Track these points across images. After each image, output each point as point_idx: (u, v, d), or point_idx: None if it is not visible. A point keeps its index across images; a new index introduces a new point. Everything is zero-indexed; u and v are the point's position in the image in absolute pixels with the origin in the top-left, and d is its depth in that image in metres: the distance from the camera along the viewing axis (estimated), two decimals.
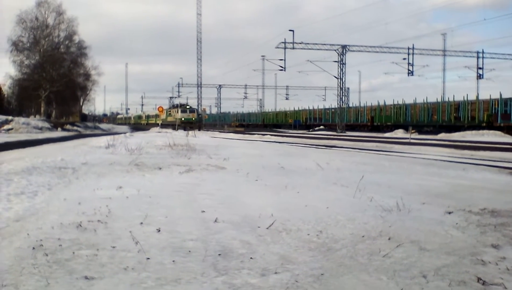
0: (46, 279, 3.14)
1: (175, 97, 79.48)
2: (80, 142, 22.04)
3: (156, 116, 77.58)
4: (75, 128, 54.03)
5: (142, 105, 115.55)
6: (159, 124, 62.41)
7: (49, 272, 3.27)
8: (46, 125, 47.11)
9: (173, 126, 55.87)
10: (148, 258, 3.59)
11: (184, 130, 44.04)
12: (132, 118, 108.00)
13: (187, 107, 65.07)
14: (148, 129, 54.92)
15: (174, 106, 69.01)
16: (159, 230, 4.40)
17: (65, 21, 56.77)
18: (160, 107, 67.63)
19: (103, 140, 18.36)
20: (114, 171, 8.86)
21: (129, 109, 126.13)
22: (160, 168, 9.41)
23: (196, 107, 65.91)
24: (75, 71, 62.73)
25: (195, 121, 62.61)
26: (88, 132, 51.27)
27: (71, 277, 3.20)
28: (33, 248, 3.79)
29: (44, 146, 19.57)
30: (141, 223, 4.68)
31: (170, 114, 67.86)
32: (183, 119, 61.08)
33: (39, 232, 4.29)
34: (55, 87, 55.16)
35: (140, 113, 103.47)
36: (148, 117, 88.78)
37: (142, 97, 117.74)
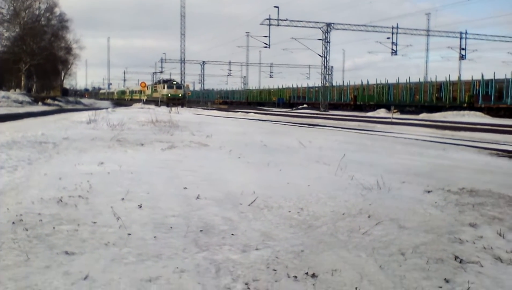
0: (26, 254, 3.12)
1: (158, 72, 78.21)
2: (61, 116, 21.78)
3: (141, 91, 75.74)
4: (56, 102, 53.27)
5: (125, 80, 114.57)
6: (143, 100, 61.02)
7: (29, 247, 3.26)
8: (27, 99, 46.39)
9: (156, 102, 55.34)
10: (129, 234, 3.59)
11: (167, 106, 43.70)
12: (115, 94, 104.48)
13: (174, 83, 63.41)
14: (131, 105, 54.37)
15: (160, 82, 67.01)
16: (140, 206, 4.40)
17: None
18: (142, 82, 63.85)
19: (85, 115, 18.17)
20: (96, 147, 8.79)
21: (111, 84, 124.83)
22: (142, 144, 9.37)
23: (182, 83, 64.51)
24: (56, 44, 61.75)
25: (181, 97, 61.17)
26: (69, 106, 50.58)
27: (51, 252, 3.18)
28: (13, 223, 3.76)
29: (25, 120, 19.31)
30: (123, 199, 4.66)
31: (155, 89, 65.90)
32: (169, 95, 59.62)
33: (19, 207, 4.25)
34: (35, 60, 54.20)
35: (124, 88, 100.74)
36: (132, 92, 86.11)
37: (124, 72, 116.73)
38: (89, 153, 7.92)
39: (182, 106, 48.87)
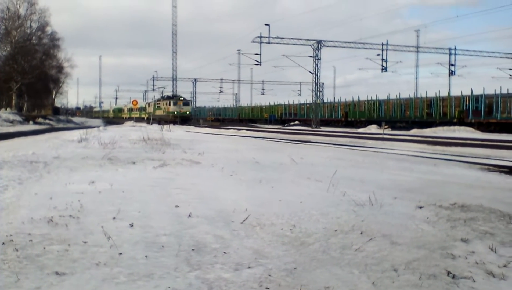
0: (16, 275, 3.09)
1: (150, 90, 77.73)
2: (52, 135, 21.67)
3: (141, 109, 71.45)
4: (47, 121, 53.09)
5: (116, 98, 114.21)
6: (145, 118, 57.32)
7: (19, 268, 3.22)
8: (18, 118, 46.18)
9: (147, 120, 54.71)
10: (121, 253, 3.56)
11: (159, 124, 43.51)
12: (111, 111, 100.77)
13: (181, 99, 57.91)
14: (122, 123, 54.11)
15: (165, 98, 61.06)
16: (132, 225, 4.37)
17: (37, 12, 55.68)
18: (134, 100, 62.80)
19: (76, 134, 18.11)
20: (87, 165, 8.75)
21: (102, 102, 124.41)
22: (134, 163, 9.34)
23: (190, 99, 59.85)
24: (47, 63, 61.69)
25: (189, 115, 56.45)
26: (60, 125, 50.42)
27: (41, 273, 3.15)
28: (3, 243, 3.73)
29: (15, 139, 19.18)
30: (114, 218, 4.63)
31: (159, 106, 60.25)
32: (175, 113, 54.56)
33: (9, 227, 4.21)
34: (27, 79, 54.00)
35: (121, 106, 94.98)
36: (130, 110, 79.93)
37: (116, 90, 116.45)
38: (80, 172, 7.88)
39: (174, 124, 48.34)
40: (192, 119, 58.73)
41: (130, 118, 69.22)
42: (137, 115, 71.24)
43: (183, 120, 53.89)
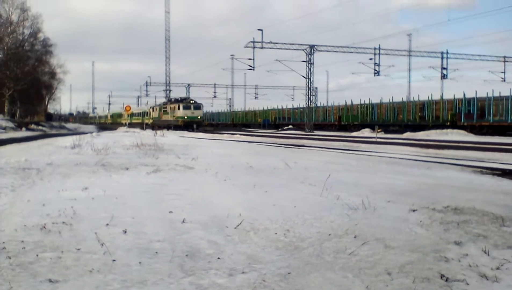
0: (9, 283, 3.07)
1: (143, 96, 76.83)
2: (45, 142, 21.57)
3: (144, 114, 64.39)
4: (40, 127, 52.88)
5: (109, 104, 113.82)
6: (146, 123, 52.38)
7: (12, 276, 3.21)
8: (10, 124, 45.96)
9: (141, 125, 53.73)
10: (114, 260, 3.55)
11: (152, 129, 43.18)
12: (109, 117, 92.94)
13: (191, 102, 50.64)
14: (115, 129, 53.72)
15: (172, 101, 53.68)
16: (125, 231, 4.36)
17: (30, 18, 55.56)
18: (127, 106, 58.00)
19: (69, 140, 18.04)
20: (80, 172, 8.72)
21: (95, 108, 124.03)
22: (127, 168, 9.31)
23: (201, 103, 52.24)
24: (40, 69, 61.54)
25: (200, 120, 49.86)
26: (53, 131, 50.20)
27: (34, 280, 3.14)
28: None
29: (8, 146, 19.07)
30: (107, 224, 4.62)
31: (165, 111, 53.86)
32: (185, 117, 48.23)
33: (1, 235, 4.20)
34: (19, 86, 53.81)
35: (120, 111, 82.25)
36: (131, 115, 70.49)
37: (109, 96, 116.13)
38: (73, 179, 7.85)
39: (168, 129, 46.45)
40: (204, 124, 52.86)
41: (131, 124, 62.04)
42: (139, 121, 64.90)
43: (192, 125, 47.32)
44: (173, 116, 49.62)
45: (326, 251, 3.91)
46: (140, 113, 68.32)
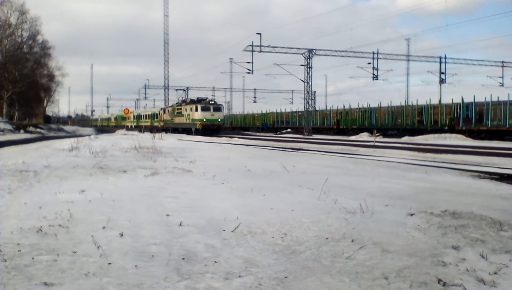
0: (4, 286, 3.05)
1: (142, 99, 76.40)
2: (43, 144, 21.53)
3: (153, 116, 59.97)
4: (38, 130, 52.86)
5: (108, 107, 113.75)
6: (157, 126, 48.34)
7: (7, 278, 3.19)
8: (8, 127, 45.95)
9: (139, 128, 53.29)
10: (110, 263, 3.53)
11: (151, 132, 42.84)
12: (113, 119, 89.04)
13: (210, 103, 44.86)
14: (114, 132, 53.56)
15: (188, 102, 47.51)
16: (122, 235, 4.34)
17: (28, 21, 55.74)
18: (126, 109, 57.20)
19: (67, 143, 18.02)
20: (77, 174, 8.70)
21: (94, 110, 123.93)
22: (125, 171, 9.29)
23: (221, 104, 47.50)
24: (38, 71, 61.57)
25: (220, 123, 44.98)
26: (51, 134, 50.15)
27: (30, 283, 3.12)
28: None
29: (5, 148, 19.04)
30: (104, 227, 4.60)
31: (180, 113, 48.09)
32: (204, 120, 42.61)
33: None
34: (17, 88, 53.84)
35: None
36: (138, 117, 67.11)
37: (107, 98, 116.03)
38: (70, 181, 7.83)
39: (170, 132, 44.85)
40: (223, 129, 47.51)
41: (137, 127, 58.50)
42: (148, 124, 60.49)
43: (212, 130, 42.49)
44: (190, 118, 44.26)
45: (323, 255, 3.90)
46: (149, 115, 63.97)
